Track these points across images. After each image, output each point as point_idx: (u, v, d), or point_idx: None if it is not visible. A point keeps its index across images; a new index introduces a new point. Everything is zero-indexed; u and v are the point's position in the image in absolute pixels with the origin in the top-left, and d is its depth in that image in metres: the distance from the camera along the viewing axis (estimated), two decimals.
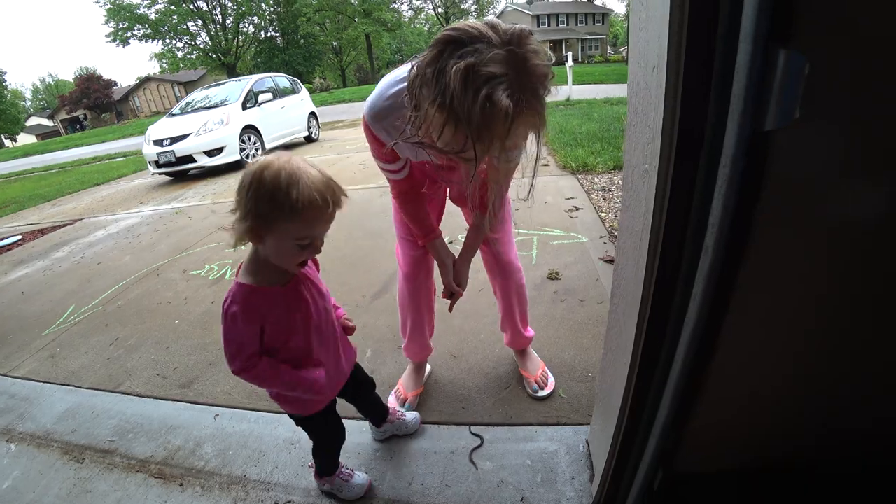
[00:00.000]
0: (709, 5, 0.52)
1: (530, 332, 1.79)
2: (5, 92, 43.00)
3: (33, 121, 55.44)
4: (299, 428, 1.30)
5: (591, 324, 2.04)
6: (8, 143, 44.52)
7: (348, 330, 1.30)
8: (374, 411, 1.52)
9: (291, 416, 1.25)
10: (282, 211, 0.88)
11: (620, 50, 55.54)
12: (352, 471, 1.41)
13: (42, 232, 5.39)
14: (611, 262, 2.53)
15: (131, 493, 1.55)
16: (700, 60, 0.55)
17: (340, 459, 1.40)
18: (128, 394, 2.08)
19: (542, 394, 1.67)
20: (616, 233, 2.86)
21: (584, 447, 1.45)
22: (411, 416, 1.60)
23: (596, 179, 4.09)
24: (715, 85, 0.55)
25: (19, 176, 12.90)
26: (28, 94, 77.30)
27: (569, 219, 3.26)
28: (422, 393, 1.76)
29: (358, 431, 1.64)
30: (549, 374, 1.73)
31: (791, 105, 0.50)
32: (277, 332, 1.04)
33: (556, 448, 1.46)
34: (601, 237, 2.88)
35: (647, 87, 0.73)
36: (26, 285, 3.71)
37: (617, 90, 13.16)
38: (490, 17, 0.83)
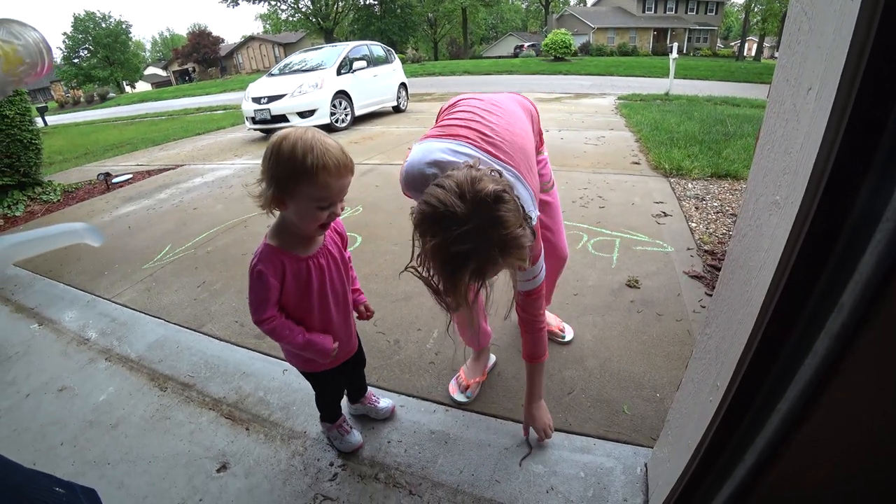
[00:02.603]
0: None
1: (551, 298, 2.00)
2: (129, 43, 46.96)
3: (150, 70, 60.46)
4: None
5: (666, 341, 1.93)
6: (128, 89, 48.88)
7: (363, 314, 1.43)
8: (357, 388, 1.61)
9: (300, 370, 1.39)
10: (299, 176, 0.98)
11: (732, 44, 51.15)
12: (350, 427, 1.56)
13: (149, 173, 5.90)
14: (696, 277, 2.36)
15: (203, 427, 1.68)
16: (881, 95, 0.47)
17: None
18: (209, 335, 2.25)
19: (568, 337, 1.96)
20: (705, 246, 2.67)
21: (643, 470, 1.38)
22: (384, 403, 1.65)
23: (690, 185, 3.81)
24: (894, 126, 0.47)
25: (135, 120, 14.19)
26: (148, 46, 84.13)
27: (655, 224, 3.08)
28: (484, 383, 1.75)
29: (417, 410, 1.67)
30: (565, 323, 2.01)
31: None
32: (290, 294, 1.16)
33: (612, 465, 1.41)
34: (688, 249, 2.70)
35: (794, 111, 0.64)
36: (133, 221, 4.09)
37: (722, 88, 12.23)
38: (467, 173, 0.89)
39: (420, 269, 0.95)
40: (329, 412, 1.52)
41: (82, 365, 2.10)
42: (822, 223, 0.58)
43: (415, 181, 1.10)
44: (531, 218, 1.01)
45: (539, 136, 1.49)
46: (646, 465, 1.39)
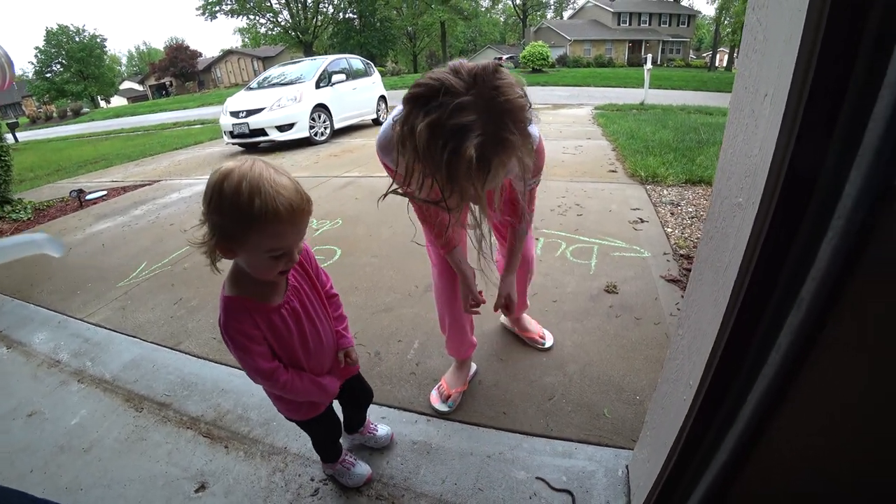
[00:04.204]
0: (848, 40, 0.46)
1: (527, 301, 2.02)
2: (104, 57, 46.27)
3: (126, 84, 59.60)
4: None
5: (644, 344, 1.95)
6: (103, 104, 48.12)
7: (349, 364, 1.26)
8: (355, 421, 1.51)
9: (287, 418, 1.27)
10: (247, 224, 0.82)
11: (704, 55, 52.64)
12: (354, 460, 1.45)
13: (125, 189, 5.80)
14: (673, 281, 2.41)
15: (181, 447, 1.64)
16: (829, 98, 0.50)
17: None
18: (186, 353, 2.21)
19: (548, 344, 1.98)
20: (681, 251, 2.72)
21: (624, 473, 1.39)
22: (383, 430, 1.56)
23: (665, 192, 3.89)
24: (842, 127, 0.49)
25: (110, 135, 13.95)
26: (123, 60, 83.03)
27: (632, 231, 3.13)
28: (465, 392, 1.75)
29: (399, 421, 1.66)
30: (545, 330, 2.04)
31: None
32: (270, 346, 1.04)
33: (594, 469, 1.42)
34: (664, 254, 2.75)
35: (753, 116, 0.67)
36: (107, 238, 4.00)
37: (696, 97, 12.56)
38: (456, 61, 0.81)
39: (408, 178, 0.84)
40: (330, 453, 1.41)
41: (53, 388, 2.03)
42: (781, 222, 0.60)
43: (389, 139, 1.04)
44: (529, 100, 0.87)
45: None
46: (627, 466, 1.40)
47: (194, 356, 2.17)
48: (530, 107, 0.83)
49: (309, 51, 36.66)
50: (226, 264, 0.97)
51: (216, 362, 2.11)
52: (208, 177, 0.86)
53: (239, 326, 0.96)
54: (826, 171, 0.54)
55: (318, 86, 7.92)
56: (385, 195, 0.90)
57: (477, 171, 0.77)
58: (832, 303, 0.57)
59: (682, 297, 2.26)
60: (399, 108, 0.93)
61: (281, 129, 7.32)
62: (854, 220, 0.51)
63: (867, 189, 0.49)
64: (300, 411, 1.21)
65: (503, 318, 2.14)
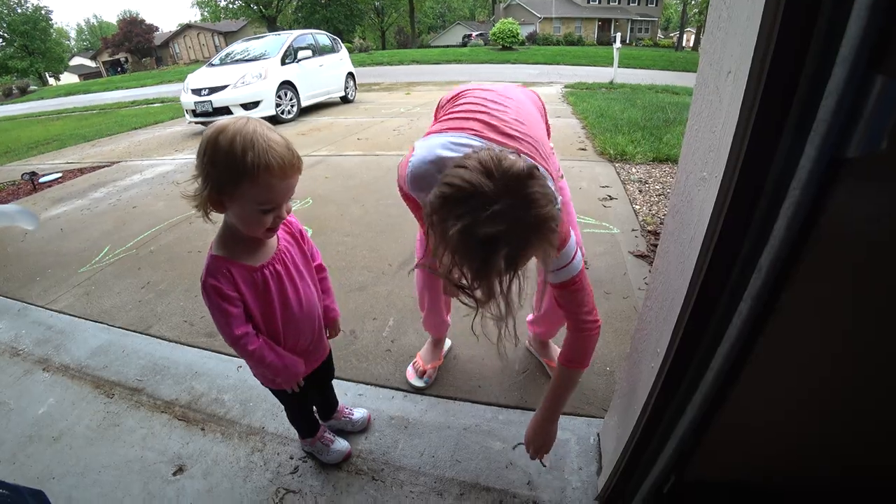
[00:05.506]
0: (805, 18, 0.49)
1: None
2: (51, 30, 43.43)
3: (76, 61, 56.24)
4: None
5: (614, 318, 2.02)
6: (52, 81, 45.39)
7: (333, 331, 1.34)
8: (326, 404, 1.52)
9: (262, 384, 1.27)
10: (239, 176, 0.87)
11: (671, 35, 53.23)
12: (333, 437, 1.47)
13: (81, 171, 5.54)
14: (641, 256, 2.49)
15: (156, 431, 1.63)
16: (786, 74, 0.52)
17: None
18: (156, 337, 2.17)
19: None
20: (649, 227, 2.80)
21: (595, 440, 1.46)
22: (359, 413, 1.57)
23: (633, 170, 3.98)
24: (798, 102, 0.52)
25: (61, 114, 13.19)
26: (73, 34, 77.98)
27: (602, 208, 3.20)
28: (441, 367, 1.79)
29: (376, 398, 1.69)
30: None
31: (879, 134, 0.47)
32: (253, 308, 1.05)
33: (567, 437, 1.47)
34: (633, 230, 2.83)
35: (717, 92, 0.70)
36: (65, 223, 3.84)
37: (664, 77, 12.72)
38: (489, 153, 0.80)
39: (437, 261, 0.85)
40: (306, 426, 1.42)
41: (17, 378, 1.97)
42: (742, 195, 0.64)
43: (422, 178, 1.03)
44: (557, 199, 0.88)
45: (547, 127, 1.40)
46: (598, 434, 1.47)
47: (166, 340, 2.14)
48: (558, 208, 0.84)
49: (272, 26, 35.37)
50: (216, 221, 1.00)
51: (189, 345, 2.08)
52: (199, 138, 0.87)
53: (216, 285, 0.98)
54: (783, 144, 0.57)
55: (283, 62, 7.67)
56: (416, 268, 0.93)
57: (504, 272, 0.80)
58: (788, 269, 0.61)
59: (650, 271, 2.34)
60: (420, 155, 1.01)
61: (246, 107, 7.08)
62: (808, 191, 0.55)
63: (820, 160, 0.52)
64: (275, 380, 1.21)
65: (528, 343, 1.89)
